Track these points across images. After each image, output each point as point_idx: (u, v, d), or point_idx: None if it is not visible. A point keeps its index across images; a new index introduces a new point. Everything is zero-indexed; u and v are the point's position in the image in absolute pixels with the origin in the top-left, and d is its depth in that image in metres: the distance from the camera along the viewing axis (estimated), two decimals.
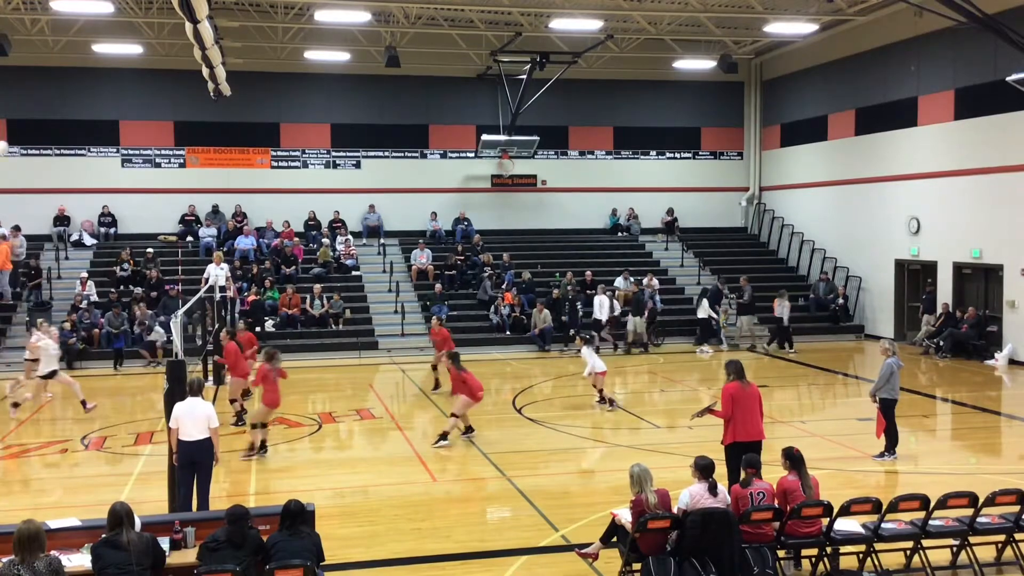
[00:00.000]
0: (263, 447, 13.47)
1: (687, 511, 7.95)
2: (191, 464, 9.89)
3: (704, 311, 24.80)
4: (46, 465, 13.52)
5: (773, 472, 9.08)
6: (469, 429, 14.45)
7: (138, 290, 24.22)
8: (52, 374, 16.37)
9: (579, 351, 17.49)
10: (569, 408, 17.63)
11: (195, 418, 9.90)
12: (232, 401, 16.27)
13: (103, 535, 6.81)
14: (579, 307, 25.40)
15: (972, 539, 8.69)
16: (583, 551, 8.78)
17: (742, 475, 8.46)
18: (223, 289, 21.90)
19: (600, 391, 16.90)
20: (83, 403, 16.05)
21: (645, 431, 15.22)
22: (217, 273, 22.30)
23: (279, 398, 13.53)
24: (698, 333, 25.00)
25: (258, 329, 23.81)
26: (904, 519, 8.75)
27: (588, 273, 26.77)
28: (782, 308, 24.50)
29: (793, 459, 8.62)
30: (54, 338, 16.94)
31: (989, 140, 22.08)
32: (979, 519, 8.68)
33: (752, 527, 8.12)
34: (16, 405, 16.44)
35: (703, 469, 8.15)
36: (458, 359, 14.59)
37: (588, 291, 26.21)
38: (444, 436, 14.06)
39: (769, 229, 31.20)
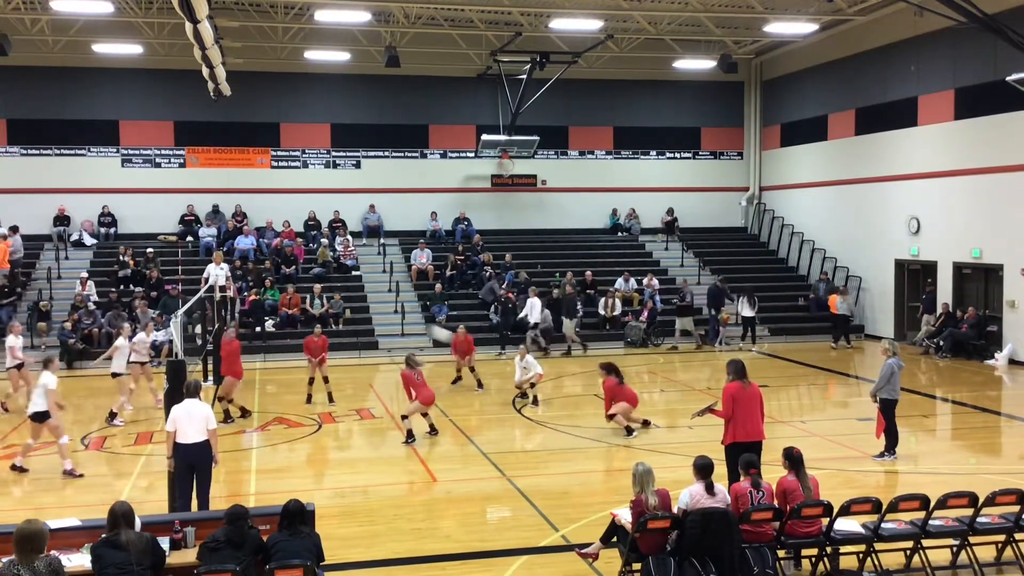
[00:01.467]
0: (411, 435, 14.27)
1: (687, 511, 7.95)
2: (189, 467, 9.80)
3: (747, 310, 24.65)
4: (46, 465, 13.50)
5: (773, 472, 9.08)
6: (629, 431, 14.64)
7: (138, 290, 24.22)
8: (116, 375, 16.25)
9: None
10: (569, 408, 17.64)
11: (193, 420, 9.80)
12: (220, 399, 16.11)
13: (103, 535, 6.81)
14: (579, 307, 25.45)
15: (972, 539, 8.69)
16: (583, 551, 8.79)
17: (742, 477, 8.46)
18: (223, 289, 21.88)
19: (529, 391, 17.29)
20: (113, 414, 15.88)
21: (645, 431, 15.20)
22: (217, 273, 22.29)
23: (431, 393, 14.61)
24: (741, 331, 24.91)
25: (258, 329, 23.88)
26: (904, 519, 8.75)
27: (588, 273, 26.78)
28: (842, 304, 24.60)
29: (792, 459, 8.62)
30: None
31: (989, 140, 22.07)
32: (979, 519, 8.68)
33: (752, 527, 8.12)
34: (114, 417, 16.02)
35: (701, 469, 8.15)
36: (613, 369, 14.88)
37: (588, 291, 26.26)
38: (629, 431, 14.53)
39: (769, 229, 31.20)
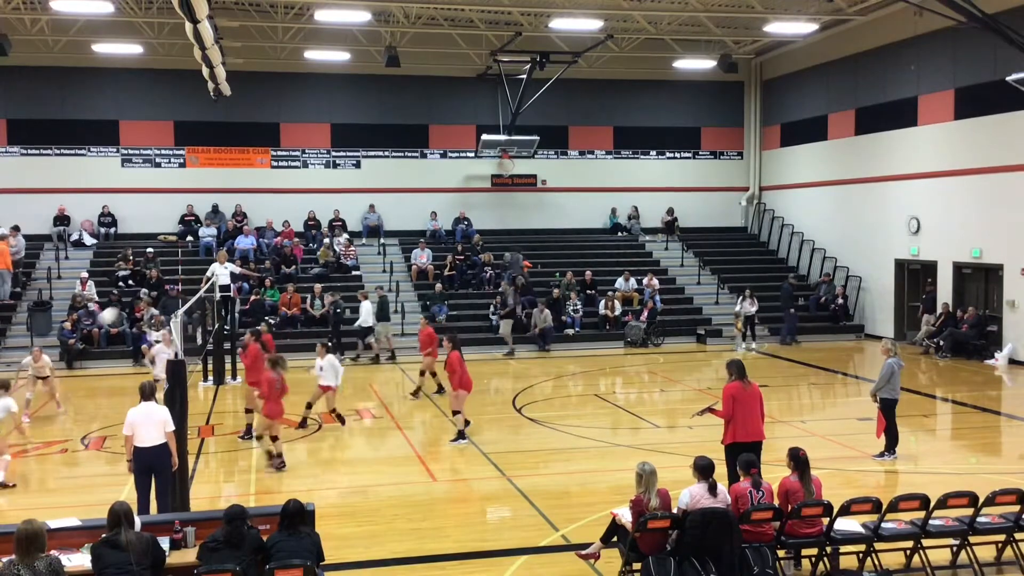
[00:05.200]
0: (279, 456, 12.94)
1: (687, 511, 7.95)
2: (148, 470, 9.67)
3: (750, 308, 24.56)
4: (46, 465, 13.52)
5: (774, 472, 9.08)
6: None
7: (143, 292, 24.19)
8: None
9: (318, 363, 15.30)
10: (569, 408, 17.64)
11: (151, 423, 9.65)
12: (248, 411, 15.03)
13: (103, 535, 6.81)
14: (579, 306, 25.49)
15: (972, 539, 8.69)
16: (584, 552, 8.78)
17: (742, 477, 8.46)
18: (225, 288, 21.85)
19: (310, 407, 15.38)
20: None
21: (645, 431, 15.22)
22: (220, 272, 22.28)
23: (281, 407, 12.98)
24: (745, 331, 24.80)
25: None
26: (904, 519, 8.75)
27: (588, 273, 26.79)
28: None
29: (798, 461, 8.60)
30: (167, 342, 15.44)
31: (989, 140, 22.07)
32: (979, 519, 8.68)
33: (752, 527, 8.12)
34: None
35: (702, 469, 8.15)
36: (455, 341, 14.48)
37: (588, 291, 26.28)
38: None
39: (769, 229, 31.20)
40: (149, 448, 9.62)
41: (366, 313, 22.77)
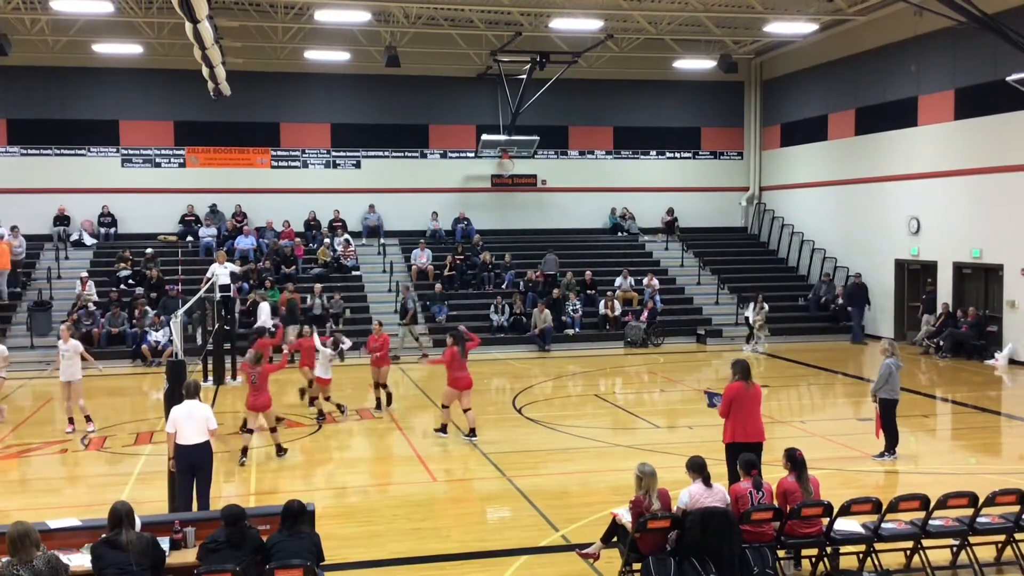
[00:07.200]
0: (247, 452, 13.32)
1: (687, 511, 7.96)
2: (190, 468, 9.75)
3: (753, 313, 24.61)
4: (46, 465, 13.52)
5: (773, 472, 9.08)
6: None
7: (139, 290, 24.20)
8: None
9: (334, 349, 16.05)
10: (569, 408, 17.64)
11: (194, 421, 9.74)
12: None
13: (103, 535, 6.80)
14: (579, 306, 25.49)
15: (972, 539, 8.69)
16: (584, 551, 8.78)
17: (742, 477, 8.46)
18: (224, 288, 21.85)
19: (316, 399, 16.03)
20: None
21: (645, 431, 15.21)
22: (220, 272, 22.29)
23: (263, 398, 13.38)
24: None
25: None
26: (904, 519, 8.75)
27: (588, 273, 26.79)
28: None
29: (795, 461, 8.61)
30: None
31: (989, 140, 22.07)
32: (979, 519, 8.68)
33: (752, 527, 8.12)
34: None
35: (697, 468, 8.18)
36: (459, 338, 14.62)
37: (588, 291, 26.28)
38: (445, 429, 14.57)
39: (769, 229, 31.20)
40: (192, 446, 9.71)
41: (264, 314, 22.53)
